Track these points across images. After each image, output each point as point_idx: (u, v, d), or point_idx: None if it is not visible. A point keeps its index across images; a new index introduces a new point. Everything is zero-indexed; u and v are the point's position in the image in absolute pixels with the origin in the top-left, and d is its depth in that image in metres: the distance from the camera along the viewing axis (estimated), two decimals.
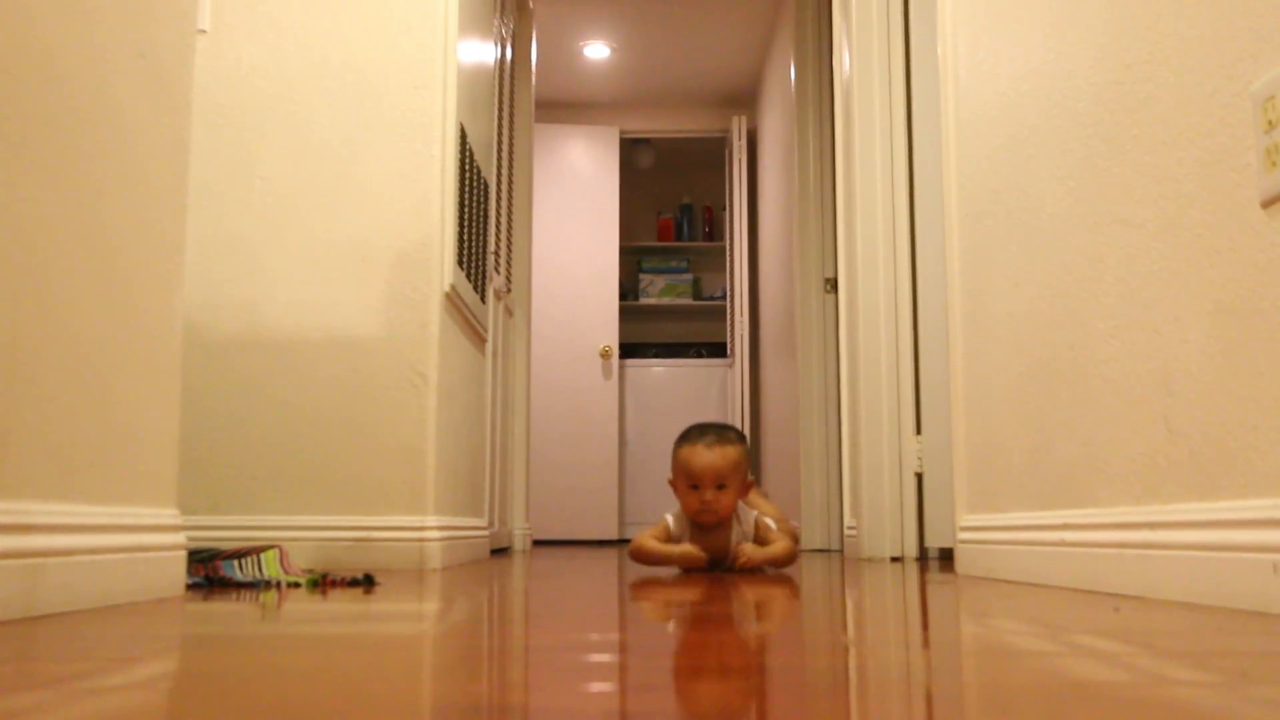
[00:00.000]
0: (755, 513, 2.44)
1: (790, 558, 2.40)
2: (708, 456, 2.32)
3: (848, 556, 3.34)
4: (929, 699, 0.65)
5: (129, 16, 1.44)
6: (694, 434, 2.40)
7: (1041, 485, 1.84)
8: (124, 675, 0.74)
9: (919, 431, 3.18)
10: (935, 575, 2.20)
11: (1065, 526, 1.70)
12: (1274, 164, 1.18)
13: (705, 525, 2.38)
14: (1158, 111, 1.44)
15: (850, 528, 3.40)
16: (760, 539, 2.38)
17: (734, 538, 2.38)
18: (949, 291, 2.35)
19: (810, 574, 2.35)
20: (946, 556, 3.03)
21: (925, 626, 1.14)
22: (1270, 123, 1.18)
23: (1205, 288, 1.33)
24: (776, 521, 2.48)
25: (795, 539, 2.55)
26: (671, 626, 1.11)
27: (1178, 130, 1.39)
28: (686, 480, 2.34)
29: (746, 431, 5.86)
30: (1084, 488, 1.67)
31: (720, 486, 2.32)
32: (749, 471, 2.42)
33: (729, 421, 6.03)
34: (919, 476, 3.17)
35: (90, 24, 1.34)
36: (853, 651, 0.90)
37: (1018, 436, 1.95)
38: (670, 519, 2.42)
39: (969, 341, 2.24)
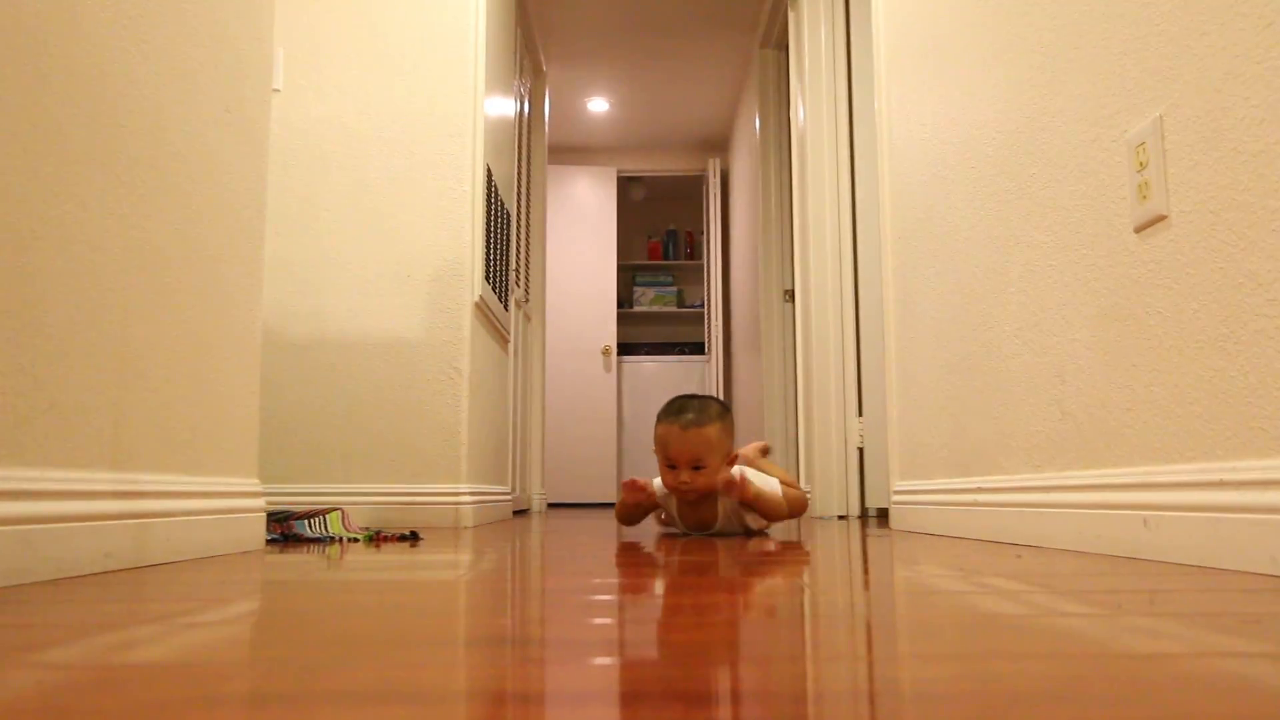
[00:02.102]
0: (741, 469, 1.95)
1: (776, 507, 1.96)
2: (683, 439, 1.89)
3: (804, 516, 3.34)
4: (869, 629, 0.65)
5: (219, 78, 1.44)
6: (673, 410, 1.95)
7: (959, 457, 1.84)
8: (217, 613, 0.74)
9: (860, 413, 3.19)
10: (874, 530, 2.20)
11: (978, 490, 1.70)
12: (1144, 197, 1.19)
13: (686, 500, 1.98)
14: (1051, 154, 1.45)
15: (806, 491, 3.40)
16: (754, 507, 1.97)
17: (722, 508, 1.95)
18: (884, 300, 2.36)
19: (773, 530, 2.35)
20: (883, 515, 3.04)
21: (866, 571, 1.14)
22: (1141, 164, 1.19)
23: (1090, 296, 1.33)
24: (783, 485, 2.03)
25: (802, 504, 2.10)
26: (659, 574, 1.11)
27: (1068, 169, 1.40)
28: (664, 459, 1.94)
29: None
30: (993, 459, 1.67)
31: (697, 467, 1.90)
32: (731, 445, 1.97)
33: None
34: (860, 450, 3.17)
35: (188, 85, 1.34)
36: (807, 592, 0.90)
37: (940, 417, 1.96)
38: (656, 487, 2.02)
39: (900, 340, 2.24)
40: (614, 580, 0.99)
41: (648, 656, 0.54)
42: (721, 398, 5.86)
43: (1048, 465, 1.46)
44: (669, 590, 0.92)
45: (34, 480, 0.96)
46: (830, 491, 3.16)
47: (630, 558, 1.31)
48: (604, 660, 0.53)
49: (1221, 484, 1.02)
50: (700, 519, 1.97)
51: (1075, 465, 1.37)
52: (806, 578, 1.05)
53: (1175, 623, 0.65)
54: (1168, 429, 1.15)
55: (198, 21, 1.37)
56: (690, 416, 1.92)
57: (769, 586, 0.96)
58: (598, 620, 0.69)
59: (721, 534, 1.96)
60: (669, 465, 1.92)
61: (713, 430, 1.92)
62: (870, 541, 1.75)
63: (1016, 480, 1.56)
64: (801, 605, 0.80)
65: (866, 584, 0.98)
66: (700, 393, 2.07)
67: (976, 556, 1.26)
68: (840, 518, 3.07)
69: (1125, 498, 1.21)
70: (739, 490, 1.86)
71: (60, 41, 1.03)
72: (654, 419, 1.91)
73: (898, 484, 2.22)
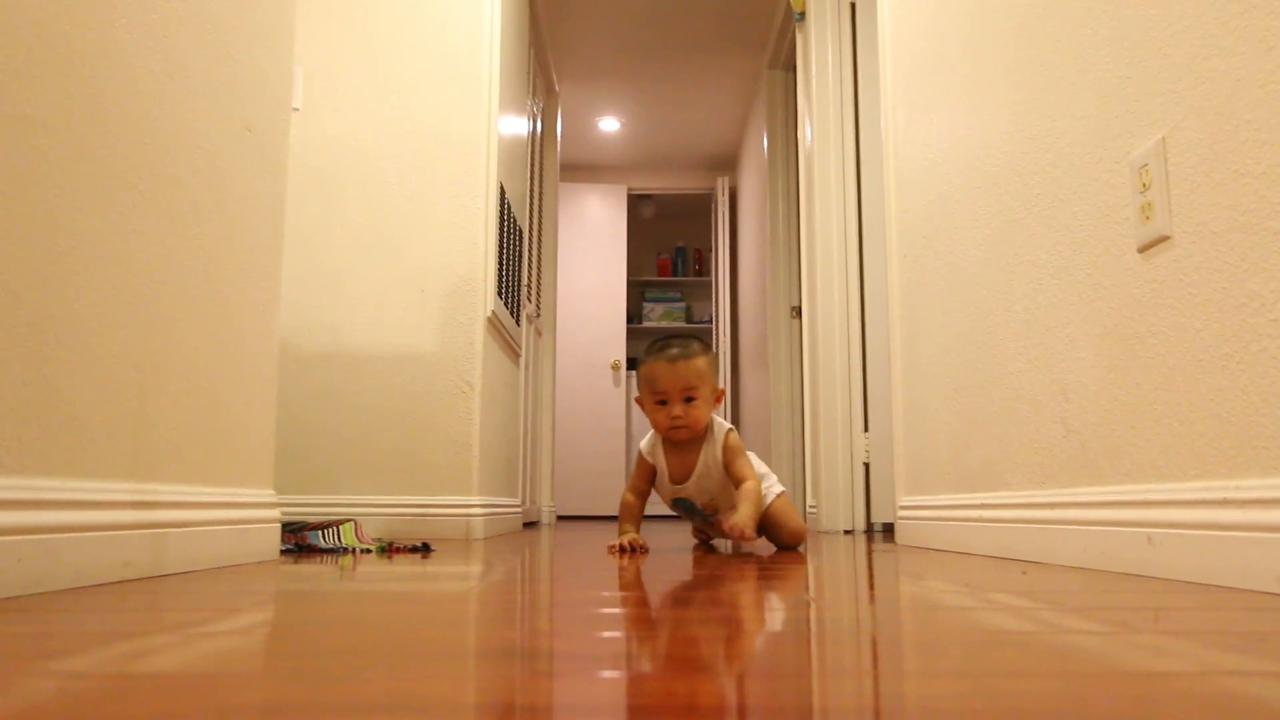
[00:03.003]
0: (727, 426, 1.88)
1: (756, 505, 1.79)
2: (673, 370, 1.81)
3: (810, 530, 3.33)
4: (875, 645, 0.65)
5: (240, 98, 1.45)
6: (657, 348, 1.86)
7: (964, 473, 1.83)
8: (232, 622, 0.74)
9: (866, 429, 3.18)
10: (879, 545, 2.19)
11: (983, 506, 1.69)
12: (1147, 218, 1.18)
13: (678, 442, 1.87)
14: (1056, 175, 1.45)
15: (812, 506, 3.39)
16: (729, 467, 1.85)
17: (704, 457, 1.86)
18: (890, 317, 2.35)
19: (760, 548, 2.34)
20: (888, 530, 3.03)
21: (871, 587, 1.14)
22: (1144, 185, 1.19)
23: (1094, 316, 1.33)
24: (762, 480, 1.89)
25: (791, 513, 1.96)
26: (666, 588, 1.11)
27: (1072, 190, 1.40)
28: (653, 395, 1.83)
29: None
30: (997, 475, 1.66)
31: (689, 399, 1.81)
32: (717, 380, 1.90)
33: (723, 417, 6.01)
34: (866, 466, 3.16)
35: (211, 104, 1.35)
36: (813, 606, 0.90)
37: (945, 433, 1.95)
38: (644, 446, 1.92)
39: (906, 357, 2.24)
40: (621, 594, 0.98)
41: (655, 670, 0.54)
42: (729, 412, 5.84)
43: (1052, 482, 1.45)
44: (676, 604, 0.91)
45: (56, 490, 0.97)
46: (836, 506, 3.15)
47: (637, 571, 1.30)
48: (612, 673, 0.53)
49: (1225, 502, 1.01)
50: (685, 465, 1.88)
51: (1080, 482, 1.37)
52: (812, 592, 1.04)
53: (1181, 641, 0.64)
54: (1171, 446, 1.14)
55: (220, 42, 1.39)
56: (676, 350, 1.84)
57: (775, 601, 0.95)
58: (606, 633, 0.69)
59: (715, 515, 1.93)
60: (659, 402, 1.83)
61: (701, 362, 1.85)
62: (876, 556, 1.74)
63: (1021, 496, 1.55)
64: (808, 620, 0.79)
65: (872, 599, 0.98)
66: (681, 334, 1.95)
67: (982, 572, 1.25)
68: (846, 532, 3.05)
69: (1130, 515, 1.20)
70: (749, 536, 1.69)
71: (92, 61, 1.04)
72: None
73: (903, 499, 2.21)
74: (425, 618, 0.78)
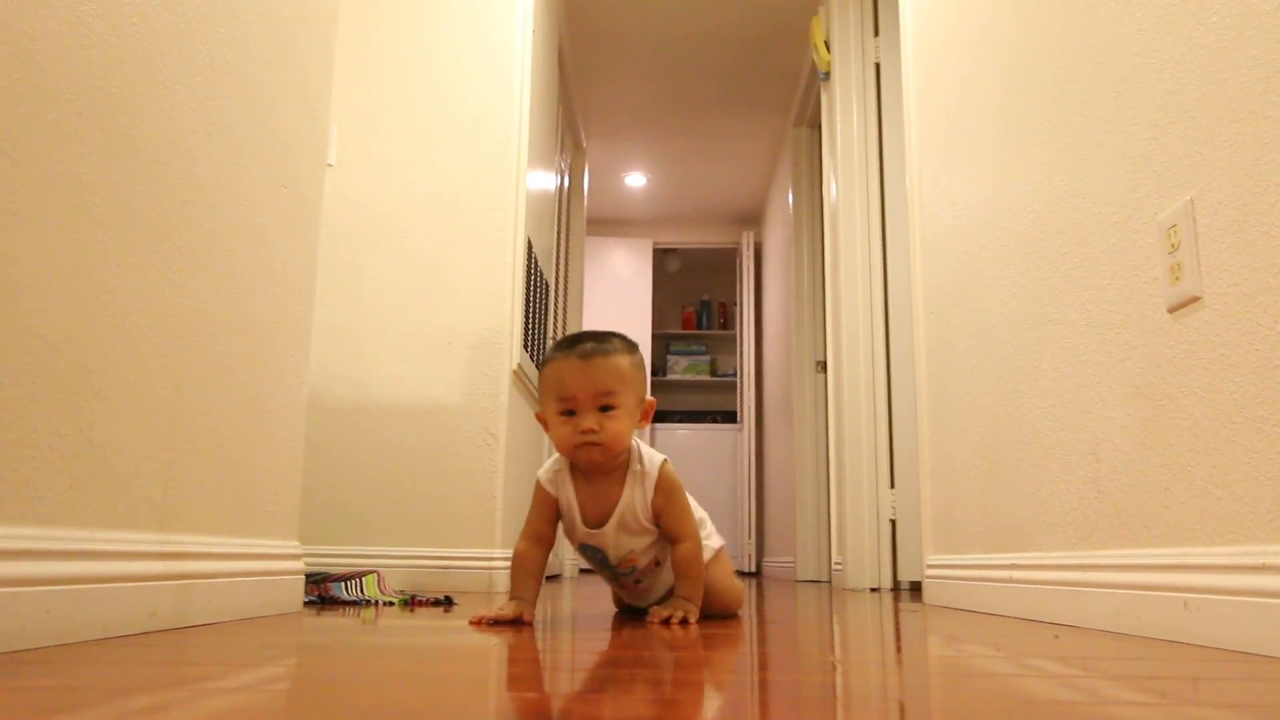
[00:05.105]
0: (660, 458, 1.40)
1: (696, 573, 1.37)
2: (585, 369, 1.32)
3: (835, 587, 3.28)
4: (903, 712, 0.63)
5: (276, 155, 1.49)
6: (564, 342, 1.38)
7: (993, 532, 1.80)
8: (252, 675, 0.74)
9: (893, 486, 3.14)
10: (907, 605, 2.15)
11: (1013, 566, 1.66)
12: (1177, 278, 1.18)
13: (590, 470, 1.37)
14: (1083, 234, 1.45)
15: (837, 563, 3.34)
16: (662, 515, 1.38)
17: (627, 496, 1.37)
18: (916, 374, 2.34)
19: (803, 602, 2.30)
20: (916, 588, 2.97)
21: (899, 649, 1.12)
22: (1173, 245, 1.18)
23: (1124, 375, 1.31)
24: (704, 541, 1.44)
25: (731, 576, 1.53)
26: (683, 643, 1.09)
27: (1099, 249, 1.39)
28: (558, 403, 1.34)
29: (750, 486, 5.78)
30: (1028, 535, 1.64)
31: (605, 408, 1.32)
32: (645, 388, 1.40)
33: (737, 476, 5.96)
34: (893, 523, 3.12)
35: (247, 162, 1.38)
36: (839, 669, 0.88)
37: (974, 492, 1.92)
38: (543, 474, 1.42)
39: (933, 414, 2.22)
40: (642, 652, 0.97)
41: None
42: (753, 466, 5.79)
43: (1083, 543, 1.43)
44: (697, 665, 0.90)
45: (85, 540, 0.98)
46: (862, 563, 3.10)
47: (655, 627, 1.28)
48: None
49: (1264, 568, 0.99)
50: (601, 504, 1.38)
51: (1112, 544, 1.34)
52: (838, 654, 1.02)
53: (1224, 714, 0.62)
54: (1207, 509, 1.11)
55: (258, 102, 1.43)
56: (590, 345, 1.35)
57: (798, 663, 0.93)
58: (629, 694, 0.68)
59: (633, 577, 1.46)
60: (565, 412, 1.33)
61: (624, 361, 1.36)
62: (903, 616, 1.70)
63: (1052, 558, 1.52)
64: (833, 685, 0.78)
65: (900, 662, 0.96)
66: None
67: (1013, 635, 1.22)
68: (873, 590, 3.00)
69: (1164, 579, 1.17)
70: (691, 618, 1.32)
71: (138, 123, 1.08)
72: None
73: (931, 558, 2.17)
74: (448, 676, 0.77)
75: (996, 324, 1.80)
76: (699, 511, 1.47)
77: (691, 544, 1.39)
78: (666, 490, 1.39)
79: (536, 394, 1.37)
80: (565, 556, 4.27)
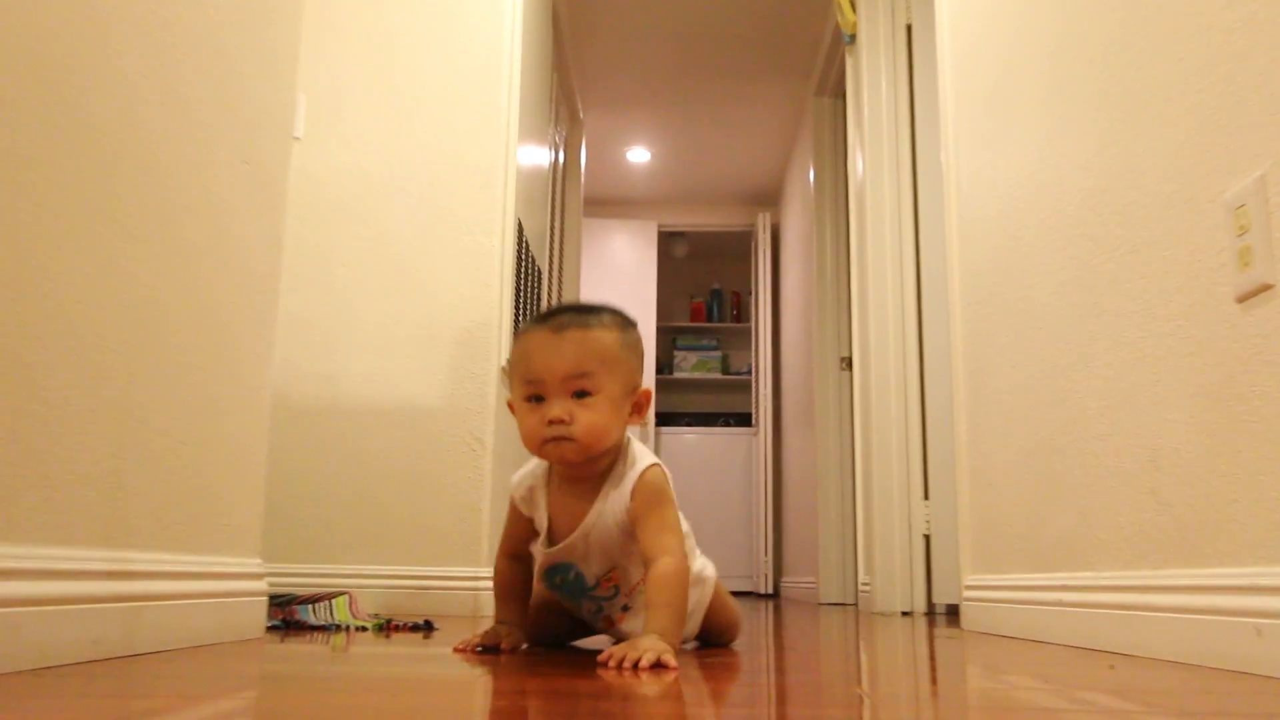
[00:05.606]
0: (649, 459, 1.27)
1: (673, 599, 1.18)
2: (557, 341, 1.21)
3: (861, 610, 3.27)
4: None
5: (237, 127, 1.49)
6: (542, 317, 1.28)
7: (1040, 549, 1.80)
8: (208, 710, 0.73)
9: (926, 497, 3.14)
10: (943, 630, 2.15)
11: (1063, 588, 1.66)
12: (1246, 264, 1.17)
13: (566, 471, 1.28)
14: (1140, 215, 1.44)
15: (864, 584, 3.34)
16: (639, 523, 1.23)
17: (600, 503, 1.25)
18: (953, 372, 2.33)
19: (827, 627, 2.30)
20: (953, 612, 2.97)
21: (934, 680, 1.11)
22: (1242, 227, 1.18)
23: (1187, 373, 1.31)
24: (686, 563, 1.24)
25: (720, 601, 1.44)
26: (691, 671, 1.09)
27: (1158, 232, 1.39)
28: (524, 385, 1.23)
29: (767, 498, 5.78)
30: (1079, 553, 1.63)
31: (580, 394, 1.21)
32: (640, 373, 1.28)
33: (752, 486, 5.96)
34: (927, 538, 3.11)
35: (205, 134, 1.38)
36: (867, 703, 0.87)
37: (1018, 504, 1.92)
38: (515, 484, 1.34)
39: (972, 417, 2.21)
40: (643, 685, 0.97)
41: None
42: (770, 473, 5.79)
43: (1142, 562, 1.42)
44: (705, 699, 0.90)
45: (21, 558, 0.97)
46: (893, 583, 3.10)
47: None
48: None
49: None
50: (576, 518, 1.26)
51: (1174, 563, 1.33)
52: (865, 686, 1.02)
53: None
54: None
55: (218, 68, 1.42)
56: (567, 317, 1.24)
57: (820, 697, 0.93)
58: None
59: (606, 607, 1.33)
60: (531, 397, 1.23)
61: (608, 337, 1.24)
62: (939, 643, 1.70)
63: (1106, 578, 1.51)
64: None
65: (935, 695, 0.95)
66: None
67: (1063, 665, 1.22)
68: (904, 614, 3.00)
69: (1233, 602, 1.16)
70: (668, 665, 1.08)
71: (86, 90, 1.07)
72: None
73: (970, 578, 2.17)
74: (424, 711, 0.77)
75: (1042, 316, 1.80)
76: (683, 525, 1.32)
77: (671, 561, 1.20)
78: (647, 496, 1.24)
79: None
80: None
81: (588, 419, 1.20)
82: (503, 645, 1.29)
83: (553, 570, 1.31)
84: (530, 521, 1.33)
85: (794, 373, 5.32)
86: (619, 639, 1.29)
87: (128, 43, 1.18)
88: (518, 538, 1.36)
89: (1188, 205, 1.31)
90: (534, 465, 1.33)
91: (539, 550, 1.32)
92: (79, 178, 1.08)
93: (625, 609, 1.33)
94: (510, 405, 1.29)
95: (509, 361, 1.26)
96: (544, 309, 1.41)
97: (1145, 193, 1.43)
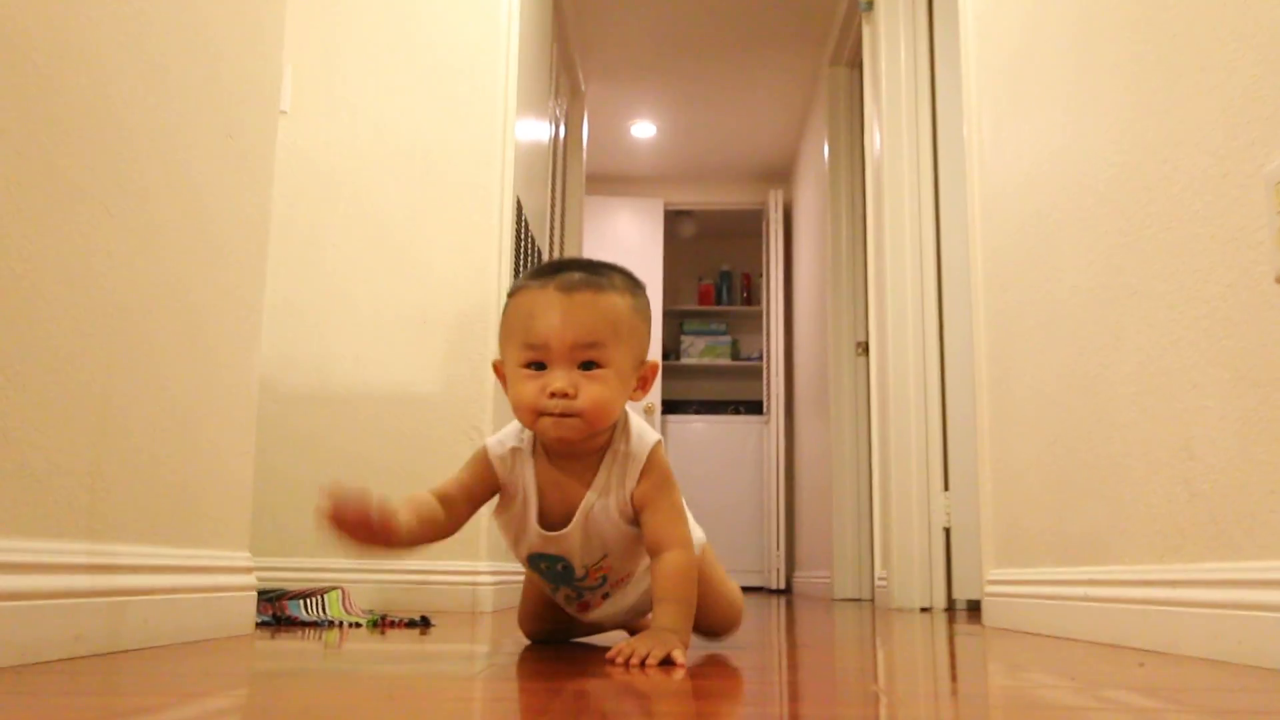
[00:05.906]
0: (654, 437, 1.22)
1: (686, 594, 1.15)
2: (566, 303, 1.13)
3: (878, 606, 3.28)
4: None
5: (220, 101, 1.48)
6: (546, 271, 1.18)
7: (1066, 542, 1.80)
8: (194, 709, 0.74)
9: (946, 488, 3.14)
10: (963, 626, 2.15)
11: (1090, 583, 1.66)
12: None
13: (560, 447, 1.19)
14: (1174, 191, 1.43)
15: (881, 578, 3.34)
16: (644, 510, 1.19)
17: (600, 483, 1.19)
18: (975, 357, 2.33)
19: (842, 623, 2.31)
20: (974, 608, 2.97)
21: (954, 678, 1.11)
22: None
23: (1223, 357, 1.30)
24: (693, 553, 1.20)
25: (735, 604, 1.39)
26: (700, 671, 1.09)
27: (1193, 209, 1.38)
28: (523, 351, 1.14)
29: (779, 489, 5.78)
30: (1107, 546, 1.63)
31: (588, 365, 1.13)
32: (647, 344, 1.23)
33: (763, 477, 5.96)
34: (947, 531, 3.12)
35: (187, 108, 1.37)
36: (883, 701, 0.88)
37: (1043, 495, 1.92)
38: (493, 445, 1.23)
39: (995, 404, 2.21)
40: (650, 681, 0.97)
41: None
42: (782, 463, 5.79)
43: (1174, 555, 1.42)
44: (715, 695, 0.90)
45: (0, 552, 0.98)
46: (911, 578, 3.10)
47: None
48: None
49: None
50: (569, 499, 1.20)
51: (1208, 556, 1.33)
52: (881, 683, 1.02)
53: None
54: None
55: (199, 36, 1.42)
56: (578, 276, 1.16)
57: (835, 694, 0.93)
58: None
59: (594, 594, 1.27)
60: (531, 364, 1.14)
61: (622, 303, 1.18)
62: (959, 640, 1.70)
63: (1136, 572, 1.51)
64: (876, 719, 0.77)
65: (955, 694, 0.95)
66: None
67: (1090, 663, 1.22)
68: (923, 610, 3.00)
69: (1270, 597, 1.16)
70: (677, 662, 1.06)
71: (54, 59, 1.07)
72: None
73: (992, 572, 2.17)
74: (420, 711, 0.77)
75: (1070, 297, 1.79)
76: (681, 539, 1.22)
77: (682, 554, 1.17)
78: (655, 478, 1.19)
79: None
80: None
81: (595, 394, 1.12)
82: (372, 514, 1.12)
83: (540, 558, 1.25)
84: (493, 488, 1.23)
85: (807, 358, 5.32)
86: (587, 629, 1.30)
87: (100, 7, 1.18)
88: (466, 497, 1.22)
89: (1225, 180, 1.30)
90: (518, 428, 1.23)
91: (532, 531, 1.22)
92: (51, 153, 1.08)
93: (605, 597, 1.28)
94: (496, 368, 1.19)
95: (504, 318, 1.18)
96: (543, 261, 1.26)
97: (1179, 167, 1.42)
